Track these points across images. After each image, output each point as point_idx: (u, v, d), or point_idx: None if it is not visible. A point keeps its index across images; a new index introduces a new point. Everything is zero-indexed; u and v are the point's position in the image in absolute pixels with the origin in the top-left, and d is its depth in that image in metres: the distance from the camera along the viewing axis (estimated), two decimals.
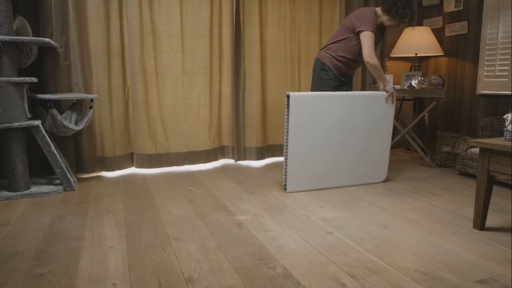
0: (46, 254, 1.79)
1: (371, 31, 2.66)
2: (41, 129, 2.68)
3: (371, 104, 2.83)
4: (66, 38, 3.04)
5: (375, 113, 2.85)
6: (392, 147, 4.18)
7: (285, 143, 2.71)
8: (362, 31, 2.68)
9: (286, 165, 2.72)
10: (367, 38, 2.65)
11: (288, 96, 2.63)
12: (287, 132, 2.68)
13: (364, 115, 2.82)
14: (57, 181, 2.97)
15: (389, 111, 2.88)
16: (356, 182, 2.94)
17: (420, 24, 4.28)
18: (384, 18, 2.75)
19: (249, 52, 3.64)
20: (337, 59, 2.86)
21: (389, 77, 3.70)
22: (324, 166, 2.81)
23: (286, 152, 2.71)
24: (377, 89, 3.13)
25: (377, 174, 2.99)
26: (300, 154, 2.72)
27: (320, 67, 2.91)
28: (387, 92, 2.81)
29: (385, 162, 3.00)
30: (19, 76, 2.86)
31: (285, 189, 2.77)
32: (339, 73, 2.90)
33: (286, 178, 2.74)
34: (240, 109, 3.69)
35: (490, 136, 3.21)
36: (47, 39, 2.65)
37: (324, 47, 2.95)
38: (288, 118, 2.65)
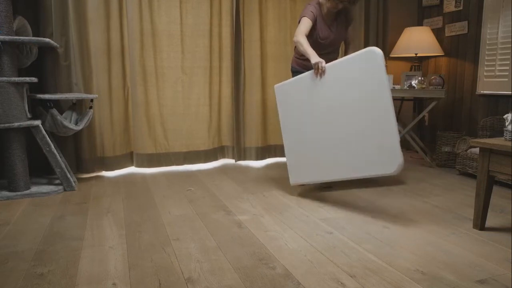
0: (46, 254, 1.79)
1: (305, 16, 2.70)
2: (41, 129, 2.68)
3: (349, 76, 2.31)
4: (66, 38, 3.04)
5: (358, 86, 2.28)
6: None
7: (283, 136, 2.73)
8: (299, 20, 2.75)
9: (286, 157, 2.73)
10: (299, 23, 2.71)
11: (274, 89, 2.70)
12: (281, 124, 2.71)
13: (346, 91, 2.33)
14: (57, 181, 2.97)
15: (380, 81, 2.18)
16: (360, 174, 2.32)
17: (420, 24, 4.28)
18: (324, 2, 2.74)
19: (249, 52, 3.64)
20: (300, 59, 2.90)
21: (389, 77, 3.70)
22: (321, 156, 2.50)
23: (284, 144, 2.72)
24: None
25: (384, 164, 2.18)
26: (295, 145, 2.66)
27: (292, 71, 2.97)
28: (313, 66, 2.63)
29: (392, 148, 2.14)
30: (19, 76, 2.86)
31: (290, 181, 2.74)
32: (308, 69, 2.91)
33: (288, 170, 2.73)
34: (240, 109, 3.69)
35: (490, 136, 3.21)
36: (47, 39, 2.65)
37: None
38: (278, 110, 2.71)
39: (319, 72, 2.45)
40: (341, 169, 2.41)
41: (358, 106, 2.29)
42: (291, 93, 2.65)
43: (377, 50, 2.20)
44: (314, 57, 2.49)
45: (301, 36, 2.64)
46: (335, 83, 2.39)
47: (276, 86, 2.71)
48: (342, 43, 3.27)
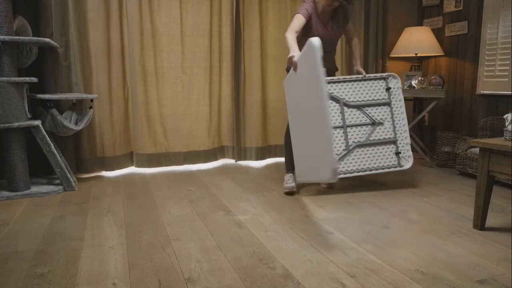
0: (46, 254, 1.79)
1: (298, 13, 2.68)
2: (41, 129, 2.68)
3: (302, 70, 2.09)
4: (66, 38, 3.04)
5: (306, 81, 2.02)
6: None
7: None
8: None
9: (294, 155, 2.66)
10: (292, 20, 2.69)
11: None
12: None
13: (302, 87, 2.12)
14: (57, 181, 2.97)
15: (314, 76, 1.86)
16: (308, 179, 2.17)
17: (420, 24, 4.28)
18: (319, 0, 2.73)
19: (249, 52, 3.64)
20: None
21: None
22: (307, 155, 2.27)
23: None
24: (358, 72, 3.00)
25: (322, 170, 1.92)
26: (295, 141, 2.53)
27: (287, 70, 2.95)
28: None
29: (325, 153, 1.84)
30: (19, 76, 2.86)
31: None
32: None
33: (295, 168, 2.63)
34: (240, 109, 3.69)
35: (490, 136, 3.21)
36: (47, 39, 2.65)
37: None
38: (286, 105, 2.60)
39: (293, 66, 2.32)
40: (301, 172, 2.28)
41: (306, 104, 2.05)
42: (289, 87, 2.62)
43: (314, 41, 1.85)
44: (291, 51, 2.38)
45: (289, 31, 2.58)
46: (299, 78, 2.19)
47: (284, 80, 2.61)
48: (346, 41, 3.25)
